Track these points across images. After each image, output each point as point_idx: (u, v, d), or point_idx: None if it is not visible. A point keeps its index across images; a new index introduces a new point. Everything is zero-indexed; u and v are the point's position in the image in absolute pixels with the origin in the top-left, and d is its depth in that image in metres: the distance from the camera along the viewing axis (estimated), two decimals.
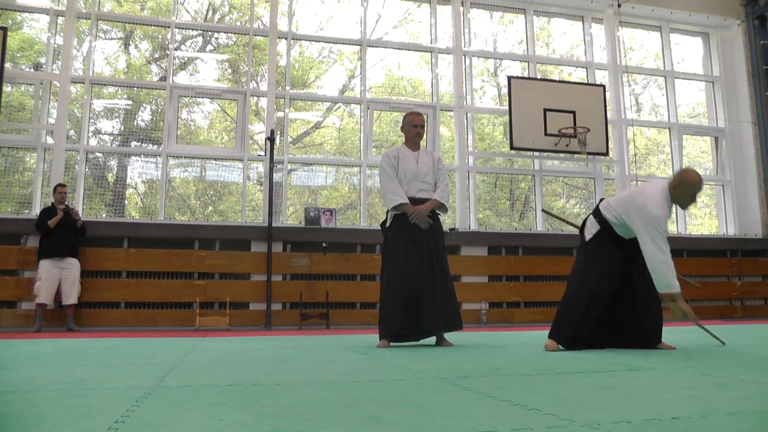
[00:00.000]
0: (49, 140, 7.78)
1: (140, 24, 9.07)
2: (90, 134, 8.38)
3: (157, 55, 9.64)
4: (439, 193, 4.36)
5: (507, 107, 8.77)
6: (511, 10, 9.86)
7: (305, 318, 7.40)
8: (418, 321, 4.10)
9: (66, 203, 6.97)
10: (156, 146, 8.38)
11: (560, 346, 3.67)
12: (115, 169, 8.75)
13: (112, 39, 9.61)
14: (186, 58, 9.84)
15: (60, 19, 8.11)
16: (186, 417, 1.54)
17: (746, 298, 9.34)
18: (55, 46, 8.11)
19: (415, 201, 4.27)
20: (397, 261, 4.19)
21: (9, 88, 8.09)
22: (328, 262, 7.84)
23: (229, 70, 9.63)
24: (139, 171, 8.86)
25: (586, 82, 9.61)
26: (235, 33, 9.37)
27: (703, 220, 11.07)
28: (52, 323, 6.91)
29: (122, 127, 9.06)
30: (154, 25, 8.99)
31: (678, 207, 3.65)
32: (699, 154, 11.11)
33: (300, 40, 9.25)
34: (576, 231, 4.16)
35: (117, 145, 8.86)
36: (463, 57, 9.15)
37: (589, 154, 8.86)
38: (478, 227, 8.74)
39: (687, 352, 3.35)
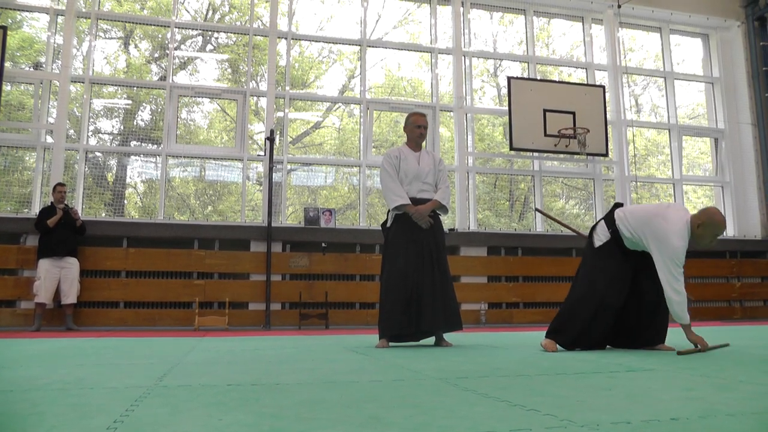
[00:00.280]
0: (49, 139, 7.78)
1: (140, 23, 9.07)
2: (90, 134, 8.38)
3: (156, 55, 9.64)
4: (440, 194, 4.36)
5: (507, 108, 8.77)
6: (511, 11, 9.87)
7: (304, 318, 7.40)
8: (419, 321, 4.10)
9: (65, 202, 6.97)
10: (155, 146, 8.38)
11: (559, 346, 3.67)
12: (115, 168, 8.74)
13: (111, 38, 9.61)
14: (186, 58, 9.84)
15: (60, 19, 8.11)
16: (185, 417, 1.54)
17: (745, 300, 9.34)
18: (55, 45, 8.10)
19: (415, 201, 4.27)
20: (398, 261, 4.19)
21: (9, 87, 8.09)
22: (328, 262, 7.84)
23: (229, 70, 9.63)
24: (139, 170, 8.86)
25: (585, 82, 9.61)
26: (235, 33, 9.37)
27: None
28: (51, 323, 6.91)
29: (122, 127, 9.06)
30: (154, 25, 8.99)
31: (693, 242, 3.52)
32: (698, 156, 11.11)
33: (300, 40, 9.25)
34: (568, 232, 4.17)
35: (116, 145, 8.86)
36: (463, 57, 9.16)
37: (588, 155, 8.87)
38: (477, 228, 8.74)
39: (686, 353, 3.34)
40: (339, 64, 10.26)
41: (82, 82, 8.09)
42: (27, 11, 8.40)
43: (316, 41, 9.45)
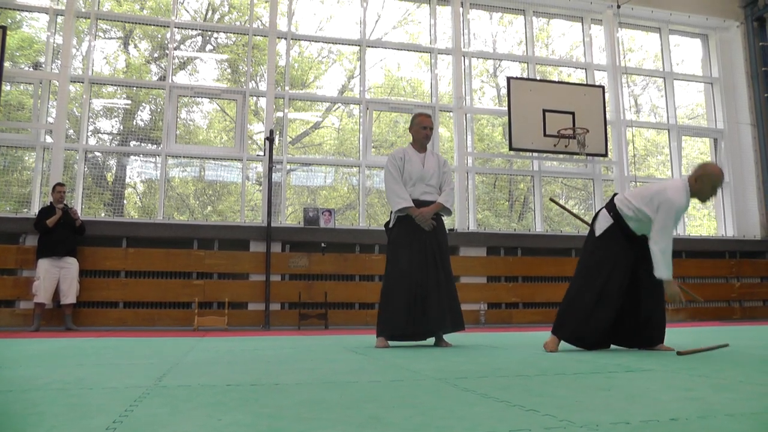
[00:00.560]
0: (48, 139, 7.77)
1: (140, 23, 9.06)
2: (89, 133, 8.38)
3: (156, 55, 9.64)
4: (444, 196, 4.35)
5: (506, 108, 8.78)
6: (511, 11, 9.87)
7: (304, 318, 7.40)
8: (423, 321, 4.11)
9: (65, 202, 6.97)
10: (155, 146, 8.38)
11: (564, 343, 3.66)
12: (114, 168, 8.74)
13: (111, 38, 9.61)
14: (185, 58, 9.84)
15: (59, 19, 8.11)
16: (184, 417, 1.54)
17: (745, 300, 9.35)
18: (55, 45, 8.10)
19: (419, 203, 4.27)
20: (401, 262, 4.20)
21: (8, 87, 8.08)
22: (327, 263, 7.84)
23: (229, 70, 9.63)
24: (138, 170, 8.85)
25: (585, 83, 9.61)
26: (234, 33, 9.37)
27: (701, 221, 11.09)
28: (51, 323, 6.90)
29: (121, 127, 9.06)
30: (154, 25, 8.98)
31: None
32: (698, 156, 11.12)
33: (299, 40, 9.25)
34: (579, 227, 4.16)
35: (116, 145, 8.86)
36: (463, 58, 9.16)
37: (588, 155, 8.87)
38: (477, 228, 8.74)
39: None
40: (338, 65, 10.27)
41: (82, 82, 8.09)
42: (26, 11, 8.40)
43: (316, 41, 9.45)
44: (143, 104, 9.31)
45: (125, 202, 8.96)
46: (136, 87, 9.02)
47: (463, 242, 8.35)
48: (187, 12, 9.68)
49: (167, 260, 7.43)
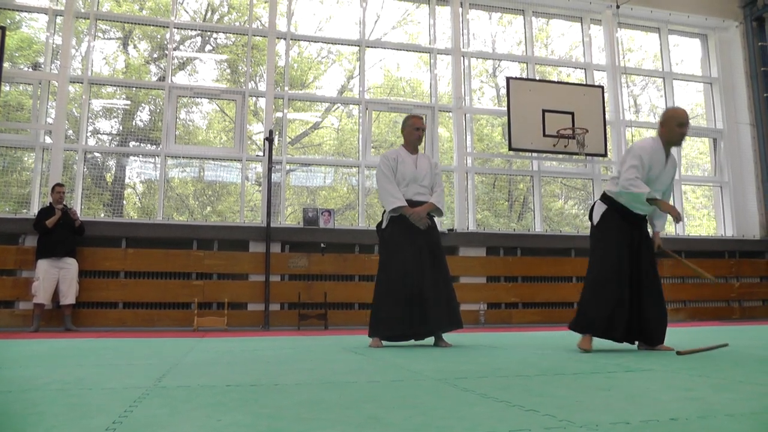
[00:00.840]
0: (48, 140, 7.77)
1: (139, 24, 9.06)
2: (88, 134, 8.38)
3: (155, 55, 9.64)
4: (436, 197, 4.41)
5: (506, 108, 8.78)
6: (510, 11, 9.87)
7: (303, 318, 7.40)
8: (421, 320, 4.12)
9: (64, 203, 6.96)
10: (154, 146, 8.38)
11: (592, 336, 3.62)
12: (114, 169, 8.74)
13: (110, 39, 9.60)
14: (185, 58, 9.84)
15: (59, 19, 8.10)
16: (184, 417, 1.54)
17: (744, 300, 9.35)
18: (54, 45, 8.10)
19: (412, 204, 4.30)
20: (397, 262, 4.21)
21: (7, 88, 8.08)
22: (327, 263, 7.84)
23: (228, 71, 9.63)
24: (138, 171, 8.85)
25: (584, 83, 9.62)
26: (233, 33, 9.37)
27: (701, 221, 11.09)
28: (50, 323, 6.90)
29: (121, 127, 9.06)
30: (153, 25, 8.98)
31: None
32: (697, 156, 11.12)
33: (299, 40, 9.25)
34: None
35: (115, 145, 8.86)
36: (462, 58, 9.16)
37: (587, 155, 8.87)
38: (476, 228, 8.74)
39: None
40: (338, 65, 10.27)
41: (81, 83, 8.08)
42: (26, 11, 8.39)
43: (315, 42, 9.45)
44: (142, 105, 9.31)
45: (125, 202, 8.96)
46: (136, 87, 9.02)
47: (463, 242, 8.35)
48: (187, 12, 9.68)
49: (167, 261, 7.43)
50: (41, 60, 8.26)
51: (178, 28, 8.88)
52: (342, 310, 7.78)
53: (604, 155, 9.04)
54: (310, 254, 7.82)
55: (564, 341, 4.54)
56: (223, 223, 8.01)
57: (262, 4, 9.25)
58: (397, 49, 9.44)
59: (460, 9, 9.26)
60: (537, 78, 9.45)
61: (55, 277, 6.71)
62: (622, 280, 3.59)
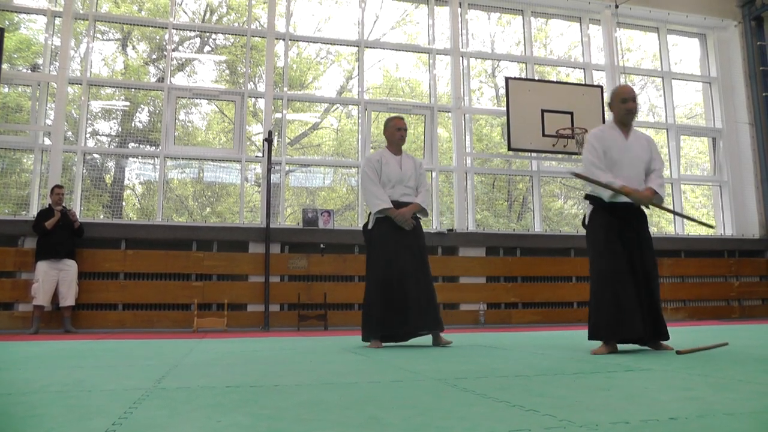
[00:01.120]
0: (47, 141, 7.77)
1: (138, 25, 9.06)
2: (87, 135, 8.38)
3: (154, 56, 9.64)
4: (421, 197, 4.45)
5: (505, 108, 8.78)
6: (509, 11, 9.87)
7: (303, 319, 7.40)
8: (402, 322, 4.14)
9: (63, 204, 6.96)
10: (154, 147, 8.38)
11: (608, 341, 3.46)
12: (113, 170, 8.74)
13: (109, 40, 9.60)
14: (184, 59, 9.84)
15: (57, 20, 8.10)
16: (184, 419, 1.54)
17: (744, 299, 9.35)
18: (53, 47, 8.09)
19: (399, 204, 4.35)
20: (383, 263, 4.24)
21: (6, 89, 8.08)
22: (326, 263, 7.84)
23: (227, 71, 9.63)
24: (137, 172, 8.85)
25: (583, 83, 9.62)
26: (232, 34, 9.36)
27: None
28: (50, 325, 6.89)
29: (120, 129, 9.06)
30: (152, 26, 8.99)
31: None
32: (696, 155, 11.13)
33: (298, 41, 9.25)
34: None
35: (114, 147, 8.86)
36: (461, 58, 9.16)
37: None
38: (476, 228, 8.74)
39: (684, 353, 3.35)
40: (337, 65, 10.28)
41: (80, 84, 8.08)
42: (24, 13, 8.39)
43: (314, 42, 9.45)
44: (142, 106, 9.31)
45: (124, 203, 8.96)
46: (135, 88, 9.02)
47: (462, 242, 8.35)
48: (186, 13, 9.68)
49: (166, 262, 7.42)
50: (40, 61, 8.26)
51: (176, 29, 8.88)
52: (342, 311, 7.78)
53: None
54: (309, 255, 7.82)
55: (564, 341, 4.54)
56: (223, 224, 8.01)
57: (260, 5, 9.25)
58: (396, 50, 9.44)
59: (459, 9, 9.27)
60: (536, 78, 9.45)
61: (55, 279, 6.70)
62: (622, 277, 3.48)
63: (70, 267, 6.81)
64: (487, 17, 10.19)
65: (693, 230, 10.32)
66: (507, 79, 8.88)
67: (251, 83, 9.03)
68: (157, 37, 9.36)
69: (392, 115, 4.81)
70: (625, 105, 3.65)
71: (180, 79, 9.37)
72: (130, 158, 8.60)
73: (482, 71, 10.82)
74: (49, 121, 7.87)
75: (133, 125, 9.06)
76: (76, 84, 8.14)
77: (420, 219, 4.53)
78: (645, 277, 3.53)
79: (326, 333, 6.65)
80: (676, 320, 8.68)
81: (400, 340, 4.34)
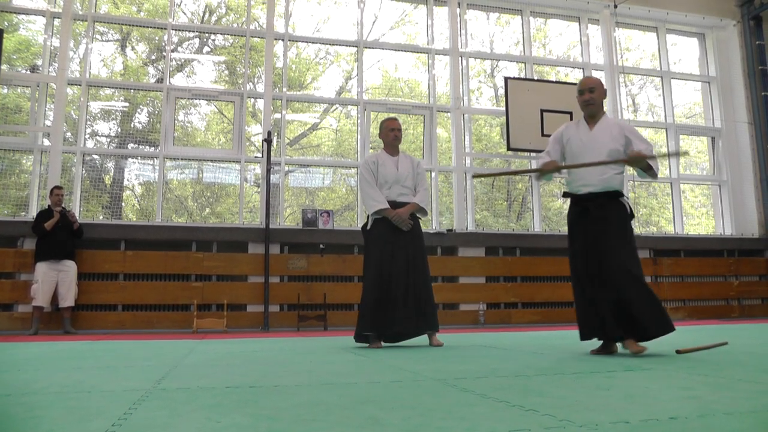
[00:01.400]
0: (46, 142, 7.77)
1: (137, 26, 9.06)
2: (87, 136, 8.37)
3: (153, 57, 9.64)
4: (419, 197, 4.47)
5: (504, 108, 8.78)
6: (508, 11, 9.88)
7: (303, 320, 7.40)
8: (400, 321, 4.16)
9: (63, 205, 6.96)
10: (153, 148, 8.37)
11: (586, 340, 3.50)
12: (112, 171, 8.73)
13: (108, 41, 9.60)
14: (183, 60, 9.83)
15: (56, 21, 8.10)
16: (183, 419, 1.54)
17: (743, 298, 9.36)
18: (52, 48, 8.09)
19: (396, 204, 4.37)
20: (379, 263, 4.26)
21: (5, 90, 8.07)
22: (326, 264, 7.84)
23: (226, 72, 9.63)
24: (136, 173, 8.84)
25: None
26: (231, 35, 9.36)
27: (700, 220, 11.10)
28: (49, 326, 6.89)
29: (119, 129, 9.05)
30: (151, 27, 8.98)
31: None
32: (696, 155, 11.13)
33: (297, 41, 9.24)
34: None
35: (114, 147, 8.85)
36: (460, 58, 9.16)
37: None
38: (475, 228, 8.74)
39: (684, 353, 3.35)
40: (336, 66, 10.27)
41: (79, 85, 8.08)
42: (24, 14, 8.38)
43: (313, 43, 9.44)
44: (141, 106, 9.30)
45: (123, 204, 8.95)
46: (134, 89, 9.01)
47: (462, 242, 8.35)
48: (184, 14, 9.68)
49: (166, 263, 7.42)
50: (39, 62, 8.26)
51: (176, 30, 8.88)
52: (341, 311, 7.78)
53: None
54: (309, 255, 7.82)
55: (564, 341, 4.54)
56: (222, 225, 8.01)
57: (259, 6, 9.25)
58: (395, 50, 9.44)
59: (458, 9, 9.27)
60: (535, 78, 9.46)
61: (54, 280, 6.70)
62: (581, 276, 3.55)
63: (70, 268, 6.80)
64: (486, 17, 10.19)
65: (693, 229, 10.32)
66: (506, 79, 8.88)
67: (250, 84, 9.03)
68: (156, 38, 9.35)
69: (388, 116, 4.84)
70: (581, 97, 3.62)
71: (179, 80, 9.36)
72: (130, 159, 8.60)
73: (481, 71, 10.82)
74: (48, 122, 7.87)
75: (132, 126, 9.05)
76: (76, 85, 8.14)
77: (420, 218, 4.54)
78: (607, 272, 3.36)
79: (326, 333, 6.65)
80: (675, 320, 8.67)
81: (393, 340, 4.34)
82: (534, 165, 9.18)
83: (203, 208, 9.67)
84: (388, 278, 4.19)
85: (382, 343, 4.29)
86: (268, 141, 7.89)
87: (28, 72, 8.42)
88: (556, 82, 9.81)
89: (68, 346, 4.65)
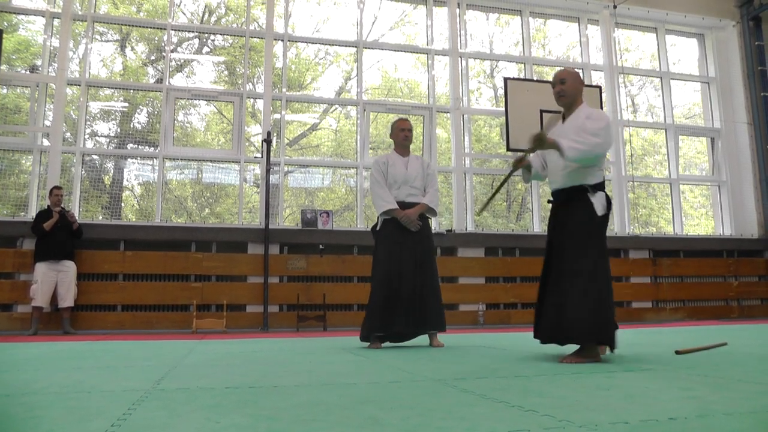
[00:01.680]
0: (45, 142, 7.76)
1: (136, 26, 9.05)
2: (86, 136, 8.36)
3: (153, 57, 9.63)
4: (429, 197, 4.48)
5: (503, 108, 8.78)
6: (507, 12, 9.88)
7: (302, 320, 7.39)
8: (406, 322, 4.18)
9: (62, 206, 6.95)
10: (152, 148, 8.37)
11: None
12: (112, 171, 8.73)
13: (108, 41, 9.60)
14: (182, 60, 9.83)
15: (56, 21, 8.10)
16: (183, 419, 1.54)
17: (743, 299, 9.36)
18: (51, 48, 8.09)
19: (404, 205, 4.38)
20: (386, 263, 4.28)
21: (5, 90, 8.07)
22: (325, 264, 7.83)
23: (226, 72, 9.63)
24: (136, 173, 8.84)
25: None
26: (231, 35, 9.36)
27: (699, 220, 11.11)
28: (48, 326, 6.89)
29: (118, 130, 9.05)
30: (151, 28, 8.98)
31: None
32: (695, 155, 11.14)
33: (296, 41, 9.24)
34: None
35: (113, 148, 8.85)
36: (460, 58, 9.16)
37: None
38: (474, 228, 8.74)
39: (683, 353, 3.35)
40: (335, 66, 10.27)
41: (79, 85, 8.08)
42: (23, 14, 8.38)
43: (313, 43, 9.44)
44: (140, 107, 9.30)
45: (123, 204, 8.94)
46: (133, 89, 9.00)
47: (461, 243, 8.35)
48: (184, 14, 9.68)
49: (165, 263, 7.42)
50: (38, 62, 8.25)
51: (175, 30, 8.88)
52: (341, 312, 7.78)
53: None
54: (308, 255, 7.82)
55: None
56: (222, 225, 8.01)
57: (259, 6, 9.25)
58: (395, 50, 9.44)
59: (458, 10, 9.27)
60: (534, 78, 9.46)
61: (54, 280, 6.70)
62: (543, 278, 3.31)
63: (69, 268, 6.80)
64: (485, 18, 10.19)
65: (692, 230, 10.33)
66: (505, 79, 8.88)
67: (250, 84, 9.03)
68: (156, 38, 9.35)
69: (399, 116, 4.85)
70: (554, 90, 3.50)
71: (179, 80, 9.35)
72: (129, 159, 8.59)
73: (481, 72, 10.82)
74: (47, 123, 7.87)
75: (131, 126, 9.05)
76: (75, 85, 8.13)
77: (429, 219, 4.56)
78: (558, 274, 3.18)
79: (325, 334, 6.65)
80: (675, 320, 8.69)
81: (398, 340, 4.36)
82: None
83: (203, 208, 9.67)
84: (395, 278, 4.20)
85: (383, 343, 4.30)
86: (267, 141, 7.89)
87: (28, 72, 8.42)
88: None
89: (68, 346, 4.65)
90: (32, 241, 6.93)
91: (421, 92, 9.51)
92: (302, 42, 9.35)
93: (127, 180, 8.87)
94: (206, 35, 9.67)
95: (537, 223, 9.07)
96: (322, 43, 9.42)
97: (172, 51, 8.75)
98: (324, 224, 7.95)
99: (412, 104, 9.13)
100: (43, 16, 8.11)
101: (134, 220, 8.41)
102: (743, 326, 6.74)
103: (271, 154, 7.98)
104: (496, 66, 10.65)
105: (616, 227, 9.19)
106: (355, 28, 9.10)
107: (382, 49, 9.37)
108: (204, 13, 10.04)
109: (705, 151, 10.52)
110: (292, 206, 9.06)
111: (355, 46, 9.03)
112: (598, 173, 3.30)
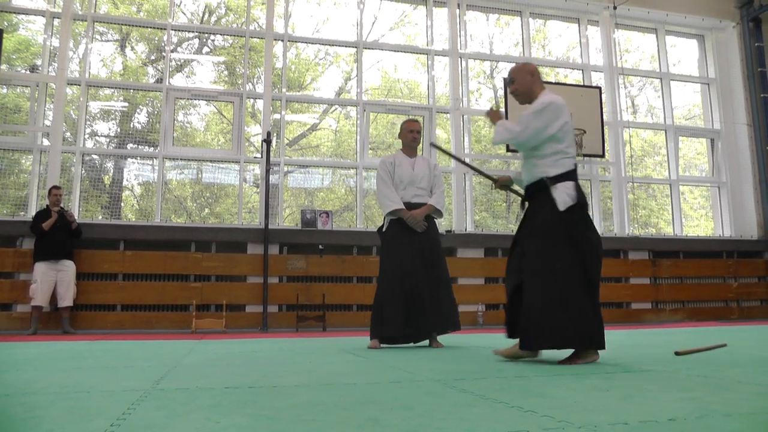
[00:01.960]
0: (45, 142, 7.76)
1: (136, 26, 9.06)
2: (86, 136, 8.37)
3: (153, 57, 9.64)
4: (435, 198, 4.48)
5: (503, 109, 8.78)
6: (507, 13, 9.88)
7: (302, 320, 7.39)
8: (417, 322, 4.17)
9: (61, 205, 6.95)
10: (152, 148, 8.37)
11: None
12: (112, 171, 8.73)
13: (108, 41, 9.60)
14: (182, 60, 9.83)
15: (56, 21, 8.10)
16: (182, 420, 1.54)
17: (742, 300, 9.36)
18: (51, 48, 8.09)
19: (410, 206, 4.38)
20: (394, 264, 4.27)
21: (5, 90, 8.07)
22: (325, 264, 7.83)
23: (226, 72, 9.63)
24: (136, 173, 8.84)
25: (582, 84, 9.63)
26: (231, 35, 9.36)
27: (699, 221, 11.11)
28: (48, 326, 6.89)
29: (118, 129, 9.05)
30: (151, 27, 8.98)
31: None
32: (695, 156, 11.14)
33: (296, 42, 9.24)
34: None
35: (113, 147, 8.85)
36: (459, 59, 9.17)
37: (585, 156, 8.88)
38: (474, 229, 8.74)
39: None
40: (335, 66, 10.27)
41: (79, 85, 8.08)
42: (23, 14, 8.38)
43: (313, 43, 9.45)
44: (140, 107, 9.30)
45: (122, 204, 8.94)
46: (133, 89, 9.01)
47: (461, 243, 8.35)
48: (184, 14, 9.68)
49: (165, 263, 7.42)
50: (39, 62, 8.25)
51: (175, 30, 8.88)
52: (340, 312, 7.78)
53: (602, 156, 9.05)
54: (308, 256, 7.82)
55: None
56: (221, 225, 8.01)
57: (259, 6, 9.25)
58: (395, 51, 9.44)
59: (458, 10, 9.28)
60: None
61: (53, 280, 6.70)
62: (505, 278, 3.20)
63: (68, 268, 6.80)
64: (485, 18, 10.19)
65: (692, 231, 10.33)
66: (505, 80, 8.88)
67: (250, 84, 9.03)
68: (156, 38, 9.35)
69: (409, 117, 4.85)
70: (510, 92, 3.44)
71: (178, 80, 9.36)
72: (129, 159, 8.59)
73: (481, 72, 10.82)
74: (47, 122, 7.87)
75: (131, 126, 9.05)
76: (75, 85, 8.13)
77: (435, 219, 4.56)
78: (527, 273, 2.99)
79: (325, 334, 6.65)
80: (674, 321, 8.69)
81: (405, 341, 4.34)
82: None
83: (202, 208, 9.67)
84: (403, 280, 4.20)
85: (381, 345, 4.29)
86: (267, 141, 7.89)
87: (28, 72, 8.42)
88: (556, 83, 9.80)
89: (67, 346, 4.65)
90: (32, 240, 6.93)
91: (420, 93, 9.51)
92: (302, 42, 9.35)
93: (127, 180, 8.88)
94: (206, 35, 9.67)
95: None
96: (322, 44, 9.43)
97: (172, 51, 8.75)
98: (323, 224, 7.95)
99: (412, 105, 9.14)
100: (43, 16, 8.11)
101: (134, 219, 8.41)
102: (743, 327, 6.74)
103: (271, 154, 7.98)
104: (496, 67, 10.65)
105: (615, 228, 9.20)
106: (355, 29, 9.10)
107: (382, 50, 9.37)
108: (204, 13, 10.04)
109: (705, 152, 10.53)
110: (292, 206, 9.06)
111: (355, 47, 9.04)
112: (561, 162, 3.03)
